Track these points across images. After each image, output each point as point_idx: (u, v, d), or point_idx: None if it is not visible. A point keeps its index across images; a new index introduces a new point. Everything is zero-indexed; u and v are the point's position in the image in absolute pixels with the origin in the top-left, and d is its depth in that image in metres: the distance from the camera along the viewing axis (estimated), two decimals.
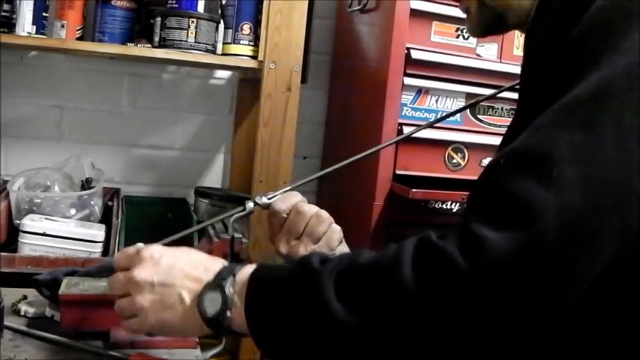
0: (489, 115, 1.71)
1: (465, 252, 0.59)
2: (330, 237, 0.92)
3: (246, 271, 0.73)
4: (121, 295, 0.80)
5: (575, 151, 0.60)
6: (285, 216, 0.93)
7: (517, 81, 0.95)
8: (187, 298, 0.74)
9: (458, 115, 1.69)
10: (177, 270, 0.76)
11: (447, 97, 1.67)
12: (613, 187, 0.59)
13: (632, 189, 0.59)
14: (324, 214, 0.93)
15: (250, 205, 0.94)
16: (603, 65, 0.63)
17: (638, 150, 0.60)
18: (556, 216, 0.57)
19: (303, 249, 0.92)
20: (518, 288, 0.57)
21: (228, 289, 0.72)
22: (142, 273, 0.76)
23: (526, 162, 0.61)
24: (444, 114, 1.66)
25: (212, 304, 0.72)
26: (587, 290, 0.60)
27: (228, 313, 0.72)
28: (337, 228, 0.94)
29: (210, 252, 0.97)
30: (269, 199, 0.94)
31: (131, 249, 0.81)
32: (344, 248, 0.95)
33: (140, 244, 0.83)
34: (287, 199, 0.94)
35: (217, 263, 0.77)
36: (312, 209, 0.93)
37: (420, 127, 1.12)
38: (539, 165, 0.60)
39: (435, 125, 1.66)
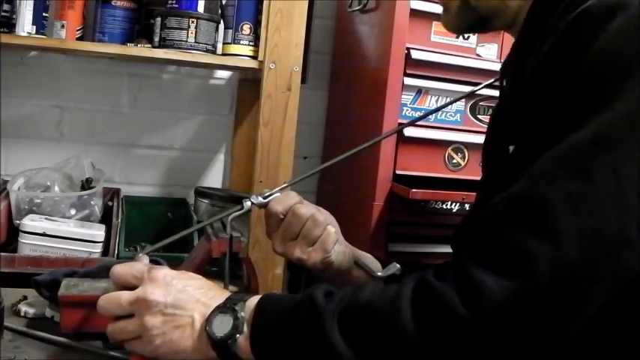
0: (489, 114, 1.71)
1: (462, 297, 0.61)
2: (325, 240, 0.93)
3: (255, 299, 0.74)
4: (118, 316, 0.78)
5: (571, 201, 0.61)
6: (282, 217, 0.94)
7: (495, 77, 0.96)
8: (197, 322, 0.74)
9: (458, 115, 1.69)
10: (188, 294, 0.75)
11: (447, 97, 1.67)
12: (608, 236, 0.60)
13: (629, 236, 0.60)
14: (320, 217, 0.93)
15: (248, 203, 0.94)
16: (602, 111, 0.63)
17: (636, 197, 0.61)
18: (551, 268, 0.60)
19: (299, 250, 0.92)
20: (512, 334, 0.60)
21: (239, 313, 0.72)
22: (154, 293, 0.75)
23: (523, 212, 0.63)
24: (443, 113, 1.67)
25: (221, 326, 0.72)
26: (585, 324, 0.62)
27: (237, 336, 0.71)
28: (332, 230, 0.94)
29: (208, 251, 0.97)
30: (265, 197, 0.95)
31: (139, 266, 0.80)
32: (341, 248, 0.95)
33: (143, 257, 0.83)
34: (284, 201, 0.94)
35: (226, 292, 0.78)
36: (308, 212, 0.93)
37: (417, 118, 1.12)
38: (535, 216, 0.62)
39: (435, 125, 1.67)
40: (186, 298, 0.75)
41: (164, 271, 0.78)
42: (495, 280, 0.60)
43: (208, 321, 0.72)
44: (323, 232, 0.93)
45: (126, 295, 0.77)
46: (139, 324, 0.75)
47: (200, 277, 0.80)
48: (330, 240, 0.93)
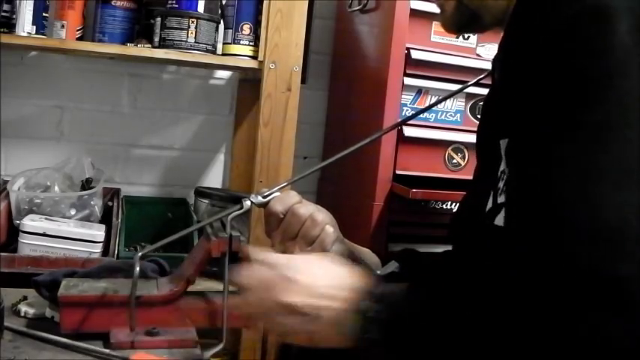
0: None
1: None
2: (324, 240, 0.94)
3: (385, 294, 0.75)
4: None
5: None
6: (282, 217, 0.94)
7: (483, 75, 0.97)
8: (330, 317, 0.75)
9: (458, 115, 1.69)
10: (318, 290, 0.77)
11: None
12: None
13: None
14: (319, 216, 0.93)
15: (248, 203, 0.94)
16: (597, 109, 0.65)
17: None
18: None
19: (297, 250, 0.93)
20: None
21: (368, 313, 0.73)
22: (288, 296, 0.77)
23: (608, 242, 0.62)
24: (443, 113, 1.67)
25: (354, 325, 0.74)
26: None
27: (370, 334, 0.73)
28: (330, 230, 0.94)
29: (208, 251, 0.98)
30: (264, 197, 0.95)
31: (271, 259, 0.81)
32: (339, 249, 0.96)
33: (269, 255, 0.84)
34: (284, 200, 0.95)
35: (350, 278, 0.78)
36: (307, 212, 0.93)
37: (412, 116, 1.12)
38: (619, 243, 0.62)
39: (435, 125, 1.67)
40: (316, 296, 0.76)
41: (290, 266, 0.79)
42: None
43: (341, 323, 0.74)
44: (321, 232, 0.93)
45: (262, 295, 0.79)
46: (278, 324, 0.78)
47: (322, 259, 0.81)
48: (329, 240, 0.94)
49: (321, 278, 0.78)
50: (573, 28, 0.68)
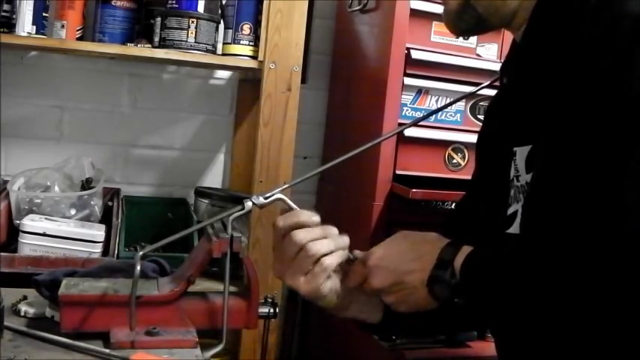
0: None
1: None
2: (317, 274, 0.87)
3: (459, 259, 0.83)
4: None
5: None
6: (282, 233, 0.88)
7: (495, 78, 0.96)
8: (419, 286, 0.85)
9: (458, 115, 1.69)
10: (400, 266, 0.87)
11: (447, 97, 1.67)
12: None
13: None
14: (314, 247, 0.86)
15: (249, 204, 0.94)
16: None
17: None
18: None
19: (289, 277, 0.88)
20: None
21: (450, 277, 0.82)
22: (376, 282, 0.88)
23: None
24: (443, 113, 1.67)
25: (440, 289, 0.83)
26: None
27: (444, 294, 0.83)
28: (326, 263, 0.87)
29: (209, 251, 0.97)
30: (266, 198, 0.94)
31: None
32: (335, 286, 0.93)
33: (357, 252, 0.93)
34: (287, 219, 0.88)
35: (427, 248, 0.86)
36: (303, 239, 0.86)
37: (419, 119, 1.12)
38: None
39: (435, 125, 1.67)
40: (400, 273, 0.87)
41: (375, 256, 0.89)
42: None
43: (429, 287, 0.84)
44: (314, 265, 0.86)
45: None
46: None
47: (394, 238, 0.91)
48: (322, 276, 0.87)
49: (399, 257, 0.87)
50: (614, 35, 0.67)
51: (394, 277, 0.87)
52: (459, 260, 0.82)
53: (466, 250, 0.82)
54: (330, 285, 0.89)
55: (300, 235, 0.86)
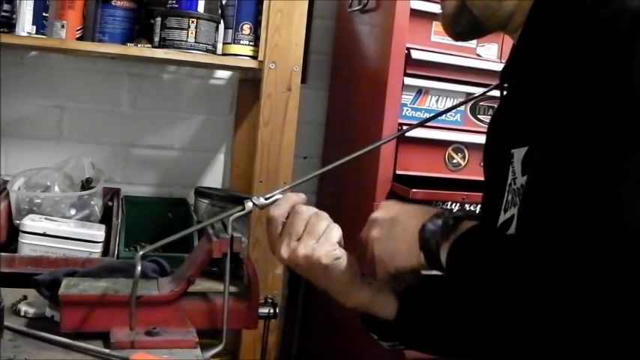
0: (489, 115, 1.71)
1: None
2: (331, 231, 0.90)
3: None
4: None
5: None
6: (284, 220, 0.91)
7: (495, 84, 0.96)
8: (413, 229, 0.83)
9: (458, 115, 1.69)
10: (401, 216, 0.87)
11: (447, 97, 1.67)
12: None
13: None
14: (323, 212, 0.92)
15: (249, 204, 0.94)
16: None
17: None
18: None
19: (302, 247, 0.89)
20: None
21: (449, 221, 0.80)
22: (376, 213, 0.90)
23: None
24: (444, 114, 1.67)
25: (433, 229, 0.81)
26: None
27: (441, 241, 0.80)
28: (337, 226, 0.92)
29: (209, 251, 0.97)
30: (266, 199, 0.94)
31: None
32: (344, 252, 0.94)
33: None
34: (282, 204, 0.91)
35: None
36: (310, 209, 0.91)
37: (416, 124, 1.12)
38: None
39: (435, 125, 1.67)
40: (400, 217, 0.87)
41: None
42: None
43: (423, 226, 0.82)
44: (327, 227, 0.90)
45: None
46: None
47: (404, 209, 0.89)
48: (335, 233, 0.90)
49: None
50: (612, 33, 0.67)
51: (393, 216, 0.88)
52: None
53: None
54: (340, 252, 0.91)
55: (304, 207, 0.91)
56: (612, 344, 0.66)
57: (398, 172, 1.64)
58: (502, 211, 0.85)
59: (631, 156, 0.65)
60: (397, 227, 0.86)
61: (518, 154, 0.81)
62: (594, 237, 0.65)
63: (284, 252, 0.90)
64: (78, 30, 1.52)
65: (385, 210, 0.90)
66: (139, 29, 1.59)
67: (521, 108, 0.83)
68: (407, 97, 1.64)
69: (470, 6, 0.85)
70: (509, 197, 0.84)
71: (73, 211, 1.47)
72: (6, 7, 1.46)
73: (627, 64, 0.66)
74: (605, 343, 0.66)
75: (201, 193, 1.77)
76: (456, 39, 0.93)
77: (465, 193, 1.61)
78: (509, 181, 0.84)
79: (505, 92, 0.92)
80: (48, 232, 1.35)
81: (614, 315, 0.64)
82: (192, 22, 1.50)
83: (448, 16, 0.88)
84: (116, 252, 1.40)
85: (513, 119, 0.85)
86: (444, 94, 1.67)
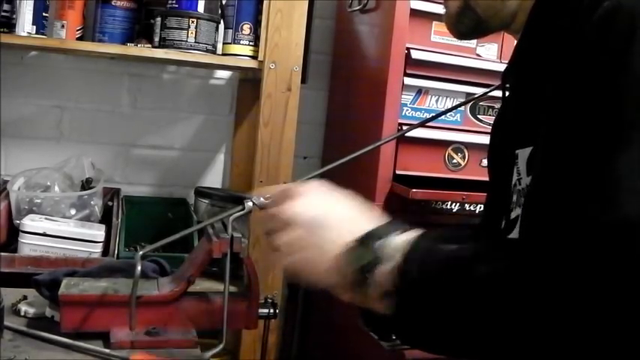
0: (489, 115, 1.71)
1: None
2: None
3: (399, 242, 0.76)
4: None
5: None
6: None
7: (496, 85, 0.96)
8: (338, 246, 0.75)
9: (458, 115, 1.69)
10: (332, 220, 0.78)
11: (447, 97, 1.67)
12: None
13: None
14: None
15: (250, 204, 0.94)
16: None
17: None
18: None
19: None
20: None
21: (379, 253, 0.73)
22: (299, 209, 0.79)
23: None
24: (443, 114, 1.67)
25: (360, 257, 0.73)
26: None
27: (376, 268, 0.73)
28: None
29: (209, 251, 0.98)
30: (267, 198, 0.94)
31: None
32: None
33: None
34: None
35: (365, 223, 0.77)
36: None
37: (417, 124, 1.12)
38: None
39: (435, 125, 1.67)
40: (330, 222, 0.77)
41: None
42: None
43: (348, 251, 0.74)
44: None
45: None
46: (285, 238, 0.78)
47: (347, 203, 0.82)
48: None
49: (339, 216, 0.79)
50: (609, 32, 0.67)
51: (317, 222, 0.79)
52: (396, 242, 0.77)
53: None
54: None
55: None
56: (615, 344, 0.66)
57: (398, 172, 1.64)
58: (508, 212, 0.85)
59: (629, 153, 0.65)
60: (321, 234, 0.77)
61: (523, 154, 0.81)
62: (595, 233, 0.65)
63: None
64: (78, 30, 1.52)
65: (308, 203, 0.80)
66: (139, 29, 1.59)
67: (524, 108, 0.83)
68: (407, 97, 1.64)
69: (473, 6, 0.85)
70: (515, 198, 0.84)
71: (73, 211, 1.47)
72: (6, 7, 1.46)
73: (625, 63, 0.66)
74: (608, 343, 0.66)
75: (201, 193, 1.77)
76: (460, 38, 0.93)
77: (465, 193, 1.61)
78: (514, 182, 0.84)
79: (507, 93, 0.92)
80: (48, 232, 1.35)
81: (615, 315, 0.64)
82: (192, 22, 1.50)
83: (451, 16, 0.88)
84: (116, 252, 1.40)
85: (517, 120, 0.85)
86: (444, 94, 1.67)
